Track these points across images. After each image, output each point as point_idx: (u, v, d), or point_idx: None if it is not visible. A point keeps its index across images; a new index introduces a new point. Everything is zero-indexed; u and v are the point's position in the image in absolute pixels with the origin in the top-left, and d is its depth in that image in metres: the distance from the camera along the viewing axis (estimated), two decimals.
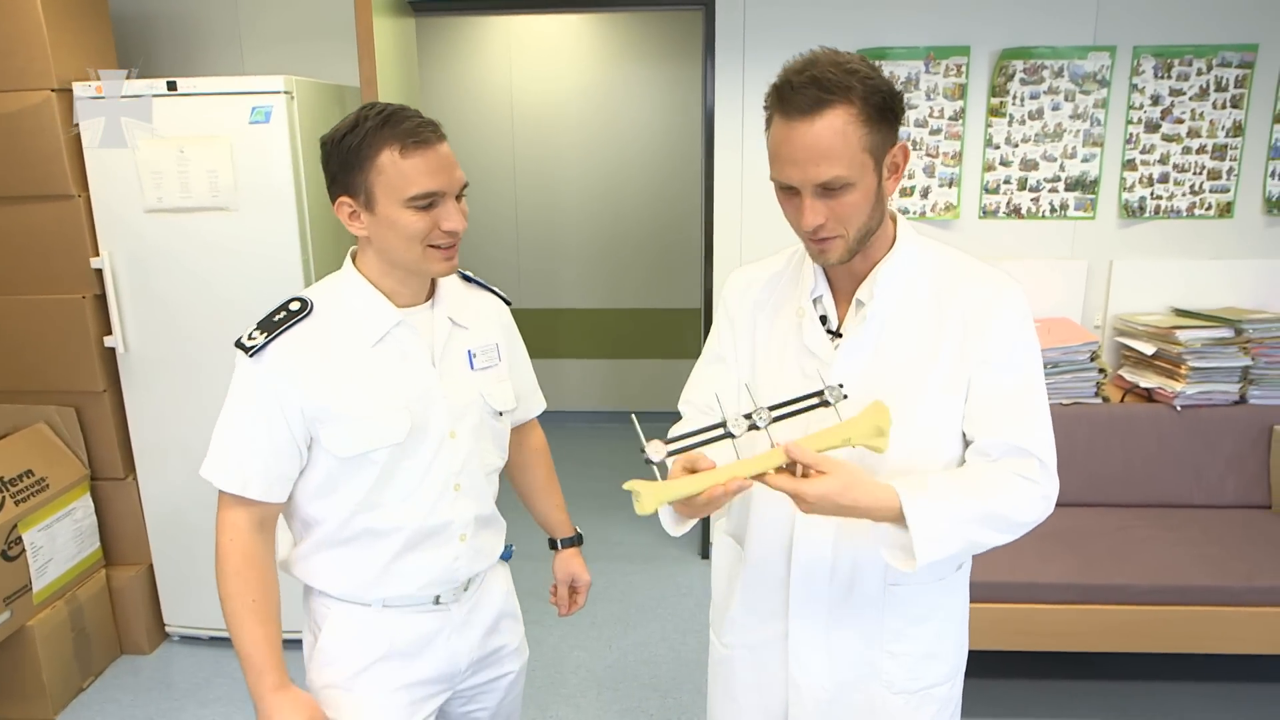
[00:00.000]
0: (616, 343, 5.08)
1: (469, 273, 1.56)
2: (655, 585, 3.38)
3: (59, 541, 2.69)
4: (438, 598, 1.45)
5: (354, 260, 1.38)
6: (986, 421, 1.21)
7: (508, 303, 1.60)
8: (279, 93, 2.55)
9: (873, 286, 1.23)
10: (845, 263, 1.20)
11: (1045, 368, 2.81)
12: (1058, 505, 2.99)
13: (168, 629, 3.02)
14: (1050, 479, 1.23)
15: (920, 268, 1.26)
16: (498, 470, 1.53)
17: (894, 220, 1.28)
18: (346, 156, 1.28)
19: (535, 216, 4.97)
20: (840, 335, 1.26)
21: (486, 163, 4.91)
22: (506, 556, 1.62)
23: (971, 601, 2.45)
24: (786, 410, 1.14)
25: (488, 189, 4.95)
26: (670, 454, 1.11)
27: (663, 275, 4.93)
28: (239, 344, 1.31)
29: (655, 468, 1.10)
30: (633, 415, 1.16)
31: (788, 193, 1.16)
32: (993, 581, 2.50)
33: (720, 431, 1.13)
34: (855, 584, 1.30)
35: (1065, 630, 2.50)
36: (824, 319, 1.27)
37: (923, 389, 1.21)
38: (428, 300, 1.41)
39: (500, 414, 1.49)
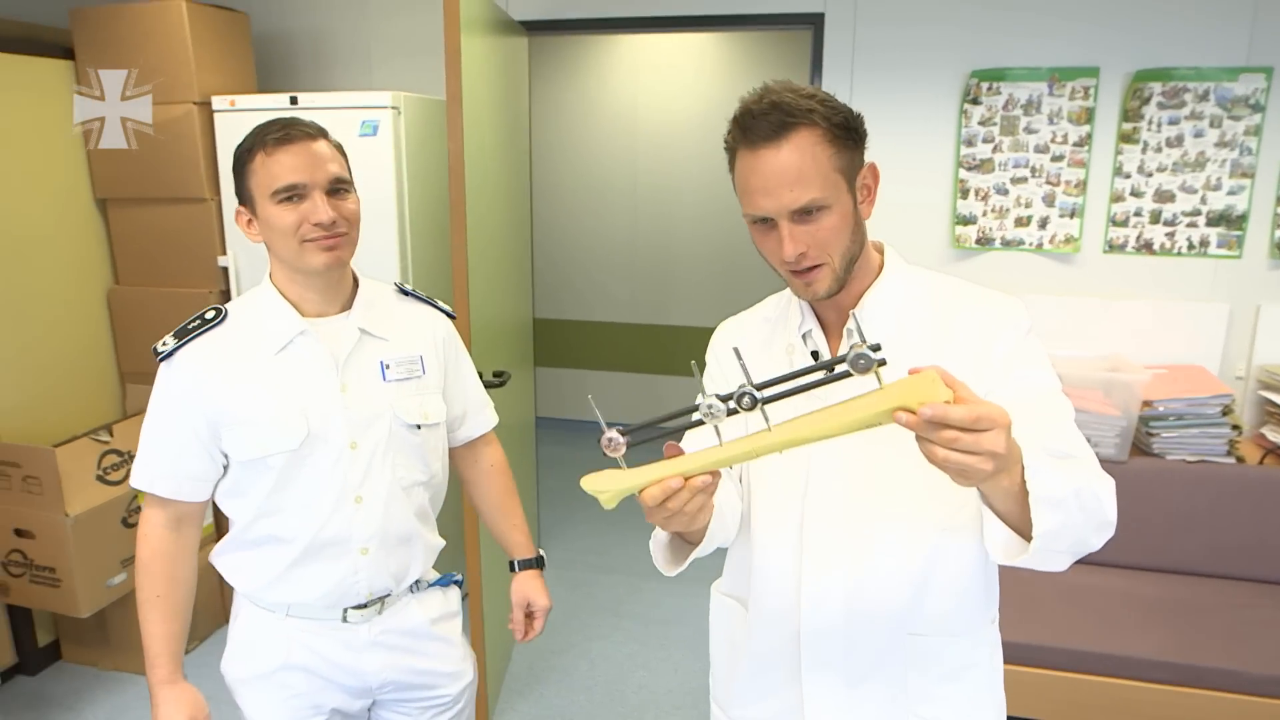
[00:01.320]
0: None
1: (407, 286, 1.57)
2: None
3: None
4: (345, 614, 1.45)
5: (270, 272, 1.43)
6: (1022, 434, 1.11)
7: (451, 316, 1.59)
8: (386, 107, 2.70)
9: (862, 315, 1.16)
10: (833, 295, 1.14)
11: (1167, 420, 2.58)
12: (1167, 571, 2.72)
13: None
14: (1110, 478, 1.10)
15: (911, 294, 1.19)
16: (420, 485, 1.50)
17: (880, 250, 1.22)
18: (236, 168, 1.35)
19: (653, 230, 5.00)
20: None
21: (608, 178, 4.99)
22: (444, 583, 1.60)
23: (1051, 668, 2.29)
24: (785, 387, 0.91)
25: (608, 204, 5.03)
26: (631, 445, 0.95)
27: None
28: (154, 350, 1.38)
29: (620, 460, 0.96)
30: (590, 397, 1.04)
31: (763, 227, 1.11)
32: (1078, 649, 2.29)
33: (694, 417, 0.94)
34: (873, 636, 1.20)
35: (1160, 713, 2.25)
36: (815, 355, 1.21)
37: None
38: (344, 310, 1.43)
39: (418, 427, 1.46)
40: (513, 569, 1.71)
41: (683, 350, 5.03)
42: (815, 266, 1.10)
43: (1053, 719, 2.32)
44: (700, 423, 0.95)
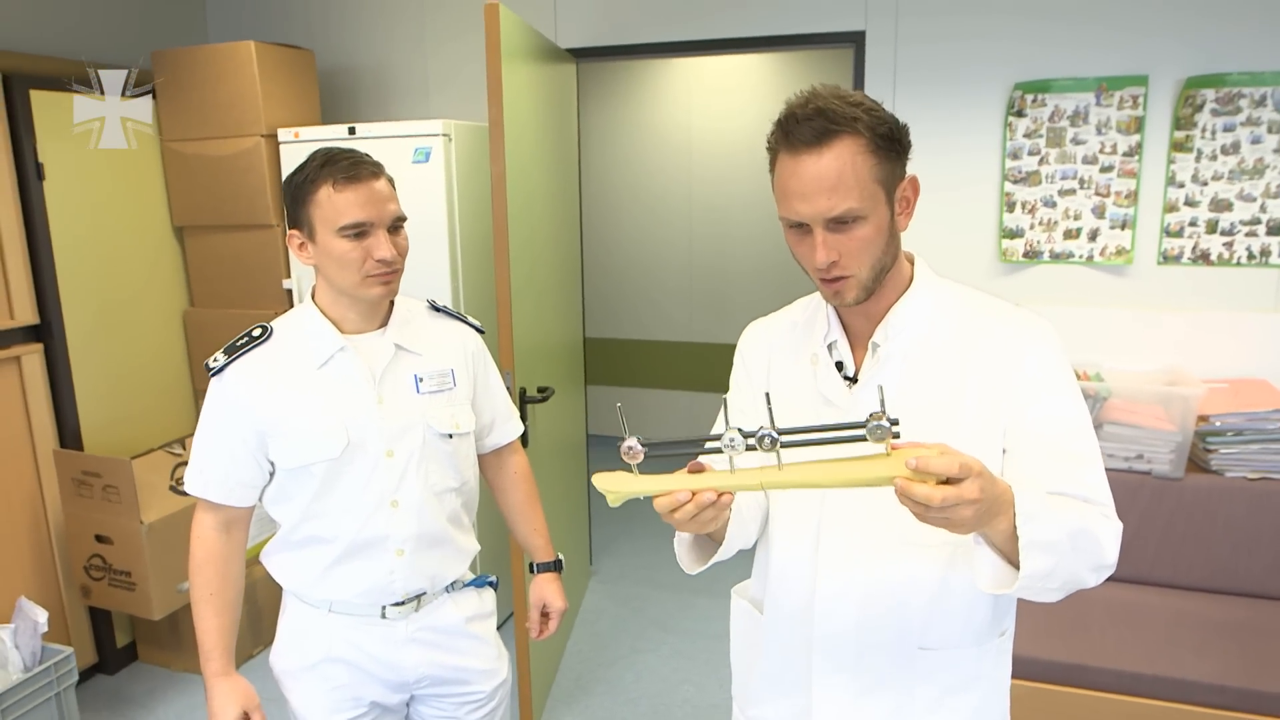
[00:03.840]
0: None
1: (439, 302, 1.64)
2: None
3: None
4: (384, 611, 1.52)
5: (313, 291, 1.51)
6: (1036, 474, 1.12)
7: (480, 331, 1.66)
8: (438, 135, 2.82)
9: (887, 328, 1.18)
10: (861, 303, 1.16)
11: (1225, 435, 2.50)
12: (1226, 593, 2.63)
13: None
14: (1118, 523, 1.12)
15: (940, 308, 1.19)
16: (452, 491, 1.57)
17: (911, 261, 1.22)
18: (295, 193, 1.42)
19: (708, 249, 5.05)
20: (857, 380, 1.21)
21: (665, 199, 5.07)
22: (479, 584, 1.67)
23: (1104, 691, 2.23)
24: (805, 438, 0.99)
25: (664, 225, 5.10)
26: (649, 456, 1.02)
27: None
28: (206, 366, 1.48)
29: (633, 467, 1.03)
30: (619, 405, 1.12)
31: (798, 231, 1.13)
32: (1130, 671, 2.22)
33: (712, 446, 1.00)
34: (884, 648, 1.22)
35: None
36: (840, 365, 1.23)
37: (950, 436, 1.10)
38: (380, 328, 1.51)
39: (450, 436, 1.54)
40: (532, 571, 1.79)
41: None
42: (844, 276, 1.12)
43: None
44: (719, 450, 1.00)
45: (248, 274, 3.14)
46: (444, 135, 2.83)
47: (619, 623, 3.37)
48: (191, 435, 3.07)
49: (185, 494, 2.85)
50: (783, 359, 1.30)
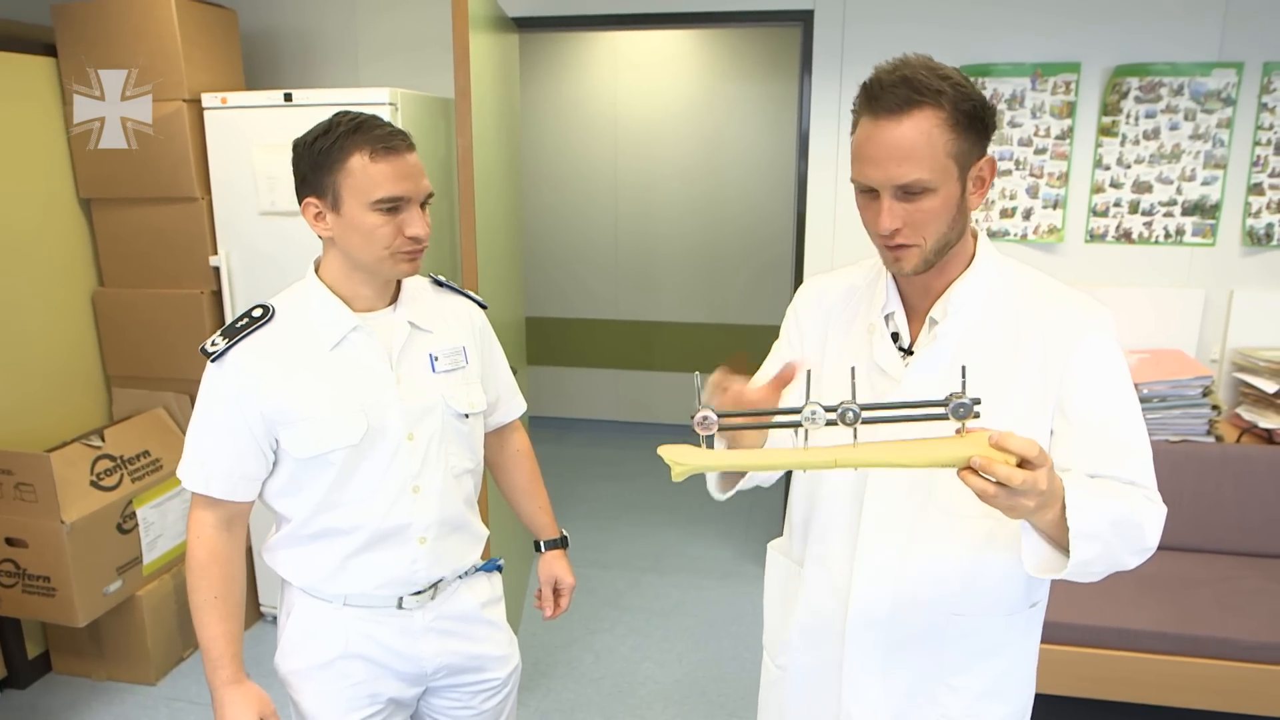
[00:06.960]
0: (712, 357, 5.07)
1: (441, 278, 1.58)
2: (731, 603, 3.35)
3: (169, 519, 2.89)
4: (400, 601, 1.46)
5: (316, 267, 1.42)
6: (1084, 455, 1.15)
7: (483, 306, 1.61)
8: (384, 104, 2.68)
9: (946, 305, 1.19)
10: (921, 274, 1.17)
11: (1152, 402, 2.68)
12: (1158, 547, 2.82)
13: (262, 609, 3.19)
14: (1162, 506, 1.15)
15: (999, 287, 1.21)
16: (468, 473, 1.52)
17: (974, 237, 1.23)
18: (317, 159, 1.31)
19: (634, 228, 5.03)
20: (912, 353, 1.23)
21: (590, 176, 5.01)
22: (489, 568, 1.63)
23: (1055, 643, 2.37)
24: (885, 414, 0.98)
25: (590, 202, 5.05)
26: (722, 429, 1.01)
27: (759, 291, 4.91)
28: (203, 350, 1.36)
29: (702, 439, 1.01)
30: (697, 374, 1.07)
31: (867, 196, 1.14)
32: (1080, 624, 2.37)
33: (791, 419, 0.99)
34: (917, 611, 1.25)
35: (1158, 682, 2.34)
36: (896, 336, 1.24)
37: (999, 414, 1.14)
38: (390, 304, 1.44)
39: (466, 416, 1.49)
40: (539, 549, 1.75)
41: (666, 346, 5.07)
42: (907, 245, 1.13)
43: (1058, 691, 2.40)
44: (796, 424, 0.99)
45: (168, 251, 2.91)
46: (390, 104, 2.69)
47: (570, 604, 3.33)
48: (109, 426, 2.84)
49: (108, 490, 2.65)
50: (839, 327, 1.31)
